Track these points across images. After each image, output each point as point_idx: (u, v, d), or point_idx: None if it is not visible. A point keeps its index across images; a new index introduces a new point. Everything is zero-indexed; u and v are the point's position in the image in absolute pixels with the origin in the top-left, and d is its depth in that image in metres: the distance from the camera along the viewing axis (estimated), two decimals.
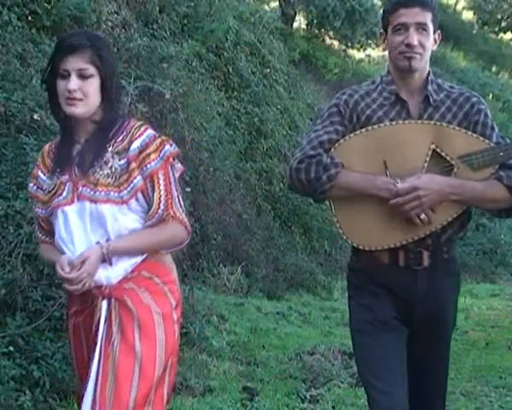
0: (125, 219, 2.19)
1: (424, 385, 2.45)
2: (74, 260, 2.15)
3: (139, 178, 2.18)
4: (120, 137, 2.21)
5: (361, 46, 16.85)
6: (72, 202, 2.20)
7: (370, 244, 2.33)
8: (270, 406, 4.13)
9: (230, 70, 9.35)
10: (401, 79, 2.41)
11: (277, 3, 15.38)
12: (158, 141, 2.21)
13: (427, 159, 2.32)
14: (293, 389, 4.45)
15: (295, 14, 15.39)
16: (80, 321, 2.27)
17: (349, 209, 2.35)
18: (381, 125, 2.35)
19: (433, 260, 2.35)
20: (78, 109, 2.18)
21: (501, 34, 24.86)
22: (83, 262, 2.13)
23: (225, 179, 7.73)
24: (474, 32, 24.66)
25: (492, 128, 2.40)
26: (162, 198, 2.20)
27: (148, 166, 2.18)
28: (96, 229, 2.17)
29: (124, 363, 2.12)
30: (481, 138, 2.34)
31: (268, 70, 10.62)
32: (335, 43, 16.75)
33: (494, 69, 22.67)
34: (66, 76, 2.16)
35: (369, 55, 17.48)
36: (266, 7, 15.18)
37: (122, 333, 2.15)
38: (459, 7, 25.02)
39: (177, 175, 2.30)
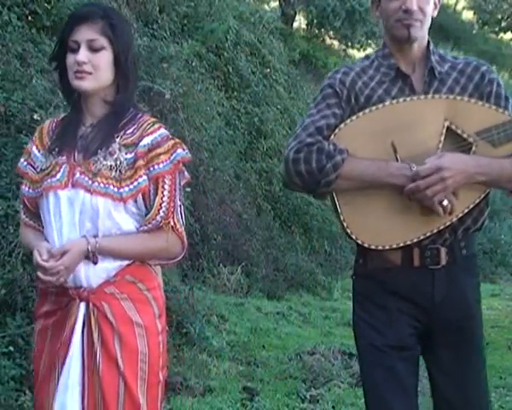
0: (119, 218, 1.99)
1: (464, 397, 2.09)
2: (55, 250, 1.97)
3: (144, 177, 1.99)
4: (131, 130, 2.03)
5: (361, 46, 16.86)
6: (66, 186, 2.00)
7: (382, 242, 2.03)
8: (270, 406, 4.13)
9: (230, 70, 9.35)
10: (399, 50, 2.13)
11: (277, 3, 15.39)
12: (170, 143, 2.02)
13: (442, 138, 2.03)
14: (293, 389, 4.45)
15: (295, 14, 15.39)
16: (50, 324, 2.05)
17: (355, 203, 2.05)
18: (385, 104, 2.06)
19: (452, 258, 2.06)
20: (87, 83, 1.99)
21: (501, 34, 24.87)
22: (63, 253, 1.94)
23: (225, 179, 7.73)
24: (474, 32, 24.67)
25: (507, 99, 2.13)
26: (164, 205, 2.01)
27: (156, 167, 1.99)
28: (85, 222, 1.98)
29: (108, 380, 1.96)
30: (500, 110, 2.07)
31: (268, 70, 10.62)
32: (335, 43, 16.75)
33: (494, 69, 22.67)
34: (76, 49, 1.98)
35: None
36: (266, 7, 15.19)
37: (103, 345, 1.96)
38: (459, 7, 25.04)
39: (183, 181, 2.12)
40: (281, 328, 6.08)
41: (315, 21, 16.08)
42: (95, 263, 1.98)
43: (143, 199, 2.01)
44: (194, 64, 8.20)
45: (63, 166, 2.02)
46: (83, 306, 1.99)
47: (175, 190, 2.04)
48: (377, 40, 16.30)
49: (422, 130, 2.04)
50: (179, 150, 2.03)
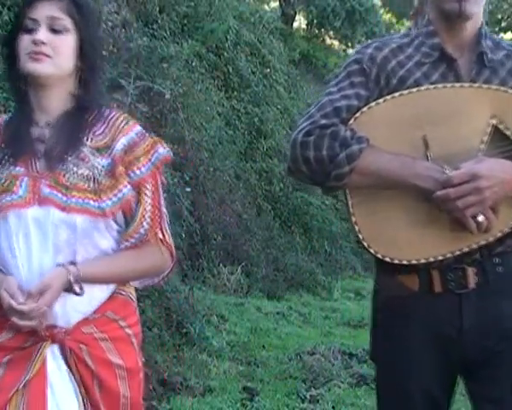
0: (98, 238, 1.66)
1: None
2: (28, 287, 1.59)
3: (129, 187, 1.66)
4: (101, 129, 1.69)
5: None
6: (31, 204, 1.62)
7: (398, 255, 1.68)
8: (270, 406, 4.13)
9: (230, 70, 9.35)
10: (447, 29, 1.75)
11: (277, 3, 15.39)
12: (149, 141, 1.71)
13: (486, 138, 1.67)
14: (293, 389, 4.45)
15: (295, 14, 15.39)
16: (2, 363, 1.63)
17: (371, 205, 1.70)
18: (421, 88, 1.70)
19: (483, 279, 1.70)
20: (44, 67, 1.62)
21: (501, 34, 24.88)
22: (43, 291, 1.57)
23: (225, 179, 7.73)
24: None
25: None
26: (147, 215, 1.68)
27: (137, 172, 1.67)
28: (60, 246, 1.62)
29: None
30: None
31: (268, 70, 10.62)
32: (335, 43, 16.76)
33: None
34: (33, 29, 1.63)
35: None
36: (266, 7, 15.19)
37: (87, 392, 1.68)
38: None
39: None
40: (281, 328, 6.07)
41: (315, 21, 16.08)
42: (79, 295, 1.63)
43: (123, 212, 1.69)
44: (194, 64, 8.20)
45: (23, 180, 1.64)
46: (57, 350, 1.64)
47: (159, 196, 1.73)
48: None
49: (463, 125, 1.68)
50: (160, 149, 1.72)
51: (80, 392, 1.66)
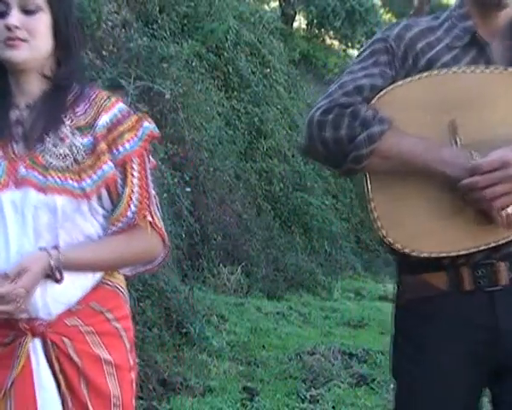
0: (81, 221, 1.57)
1: None
2: (6, 270, 1.50)
3: (110, 164, 1.56)
4: (82, 108, 1.60)
5: (361, 46, 16.86)
6: (7, 186, 1.54)
7: (419, 247, 1.55)
8: (270, 406, 4.13)
9: (230, 70, 9.35)
10: (481, 15, 1.64)
11: (277, 3, 15.39)
12: (133, 117, 1.62)
13: None
14: (293, 389, 4.45)
15: (295, 14, 15.39)
16: None
17: (392, 191, 1.58)
18: (451, 69, 1.59)
19: None
20: (22, 53, 1.55)
21: None
22: (20, 273, 1.48)
23: (225, 179, 7.74)
24: None
25: None
26: (134, 196, 1.59)
27: (121, 148, 1.58)
28: (41, 230, 1.53)
29: None
30: None
31: (268, 70, 10.62)
32: (335, 43, 16.76)
33: None
34: (4, 11, 1.55)
35: None
36: (266, 7, 15.18)
37: (70, 389, 1.57)
38: None
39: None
40: (281, 328, 6.07)
41: (315, 21, 16.08)
42: (58, 282, 1.53)
43: (109, 193, 1.60)
44: (194, 64, 8.20)
45: (1, 163, 1.57)
46: (39, 344, 1.54)
47: (146, 175, 1.63)
48: None
49: (495, 111, 1.57)
50: (146, 124, 1.62)
51: (61, 392, 1.56)
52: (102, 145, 1.57)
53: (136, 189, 1.59)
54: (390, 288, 8.97)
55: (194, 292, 5.32)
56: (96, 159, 1.56)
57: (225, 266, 7.00)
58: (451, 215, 1.54)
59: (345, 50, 16.82)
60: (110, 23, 6.61)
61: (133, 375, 1.68)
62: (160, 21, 7.84)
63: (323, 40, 16.59)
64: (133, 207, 1.59)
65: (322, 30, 16.39)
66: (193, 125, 7.15)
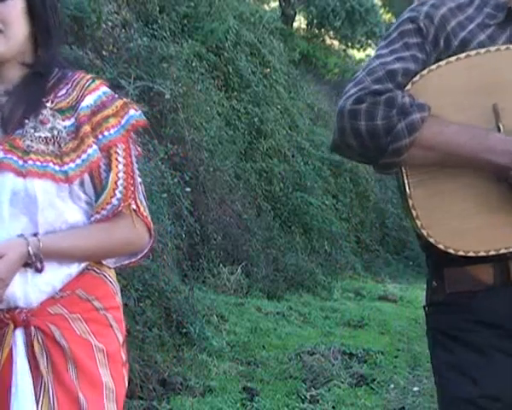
0: (63, 207, 1.48)
1: None
2: None
3: (95, 147, 1.48)
4: (64, 91, 1.52)
5: (361, 46, 16.87)
6: None
7: (466, 246, 1.44)
8: (270, 406, 4.13)
9: (230, 70, 9.35)
10: None
11: (277, 3, 15.39)
12: (119, 102, 1.53)
13: None
14: (293, 389, 4.45)
15: (295, 14, 15.39)
16: None
17: (433, 186, 1.45)
18: (490, 49, 1.45)
19: None
20: None
21: None
22: None
23: (225, 179, 7.73)
24: None
25: None
26: (120, 182, 1.50)
27: (106, 133, 1.50)
28: (19, 216, 1.45)
29: None
30: None
31: (268, 70, 10.62)
32: (335, 43, 16.76)
33: None
34: None
35: (369, 55, 17.48)
36: (266, 7, 15.19)
37: (56, 377, 1.45)
38: None
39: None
40: (281, 328, 6.07)
41: (315, 21, 16.09)
42: (39, 271, 1.46)
43: (92, 180, 1.51)
44: (194, 64, 8.20)
45: None
46: (20, 334, 1.46)
47: (131, 162, 1.54)
48: (377, 40, 16.34)
49: None
50: (131, 111, 1.54)
51: (43, 381, 1.45)
52: (86, 127, 1.49)
53: (121, 175, 1.51)
54: (390, 288, 8.98)
55: (194, 292, 5.32)
56: (80, 142, 1.48)
57: (225, 266, 7.00)
58: (499, 209, 1.43)
59: (345, 50, 16.83)
60: (110, 23, 6.62)
61: (125, 372, 1.57)
62: (160, 21, 7.84)
63: (323, 40, 16.59)
64: (118, 194, 1.50)
65: (322, 30, 16.39)
66: (193, 126, 7.15)
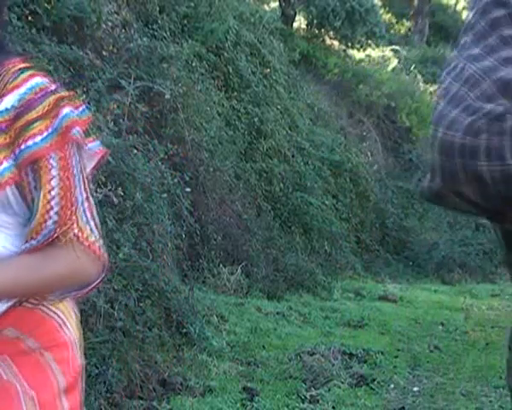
0: None
1: None
2: None
3: (9, 163, 1.18)
4: None
5: (361, 46, 16.86)
6: None
7: None
8: (270, 406, 4.13)
9: (230, 70, 9.35)
10: None
11: (277, 3, 15.38)
12: (51, 98, 1.20)
13: None
14: (293, 389, 4.45)
15: (295, 14, 15.38)
16: None
17: None
18: None
19: None
20: None
21: None
22: None
23: (225, 179, 7.74)
24: None
25: None
26: (54, 202, 1.20)
27: (30, 143, 1.18)
28: None
29: None
30: None
31: (268, 70, 10.62)
32: (335, 43, 16.74)
33: None
34: None
35: (369, 56, 17.48)
36: (266, 7, 15.19)
37: None
38: (459, 7, 25.03)
39: (91, 164, 1.30)
40: (281, 328, 6.07)
41: (315, 21, 16.07)
42: None
43: (22, 196, 1.22)
44: (194, 64, 8.20)
45: None
46: None
47: (71, 175, 1.21)
48: (377, 40, 16.35)
49: None
50: (65, 110, 1.21)
51: None
52: (4, 137, 1.18)
53: (55, 192, 1.20)
54: (390, 288, 8.98)
55: (194, 292, 5.32)
56: None
57: (225, 267, 7.00)
58: None
59: (345, 50, 16.81)
60: (110, 23, 6.62)
61: None
62: (160, 21, 7.84)
63: (323, 40, 16.57)
64: (54, 216, 1.20)
65: (323, 30, 16.37)
66: (193, 126, 7.15)
